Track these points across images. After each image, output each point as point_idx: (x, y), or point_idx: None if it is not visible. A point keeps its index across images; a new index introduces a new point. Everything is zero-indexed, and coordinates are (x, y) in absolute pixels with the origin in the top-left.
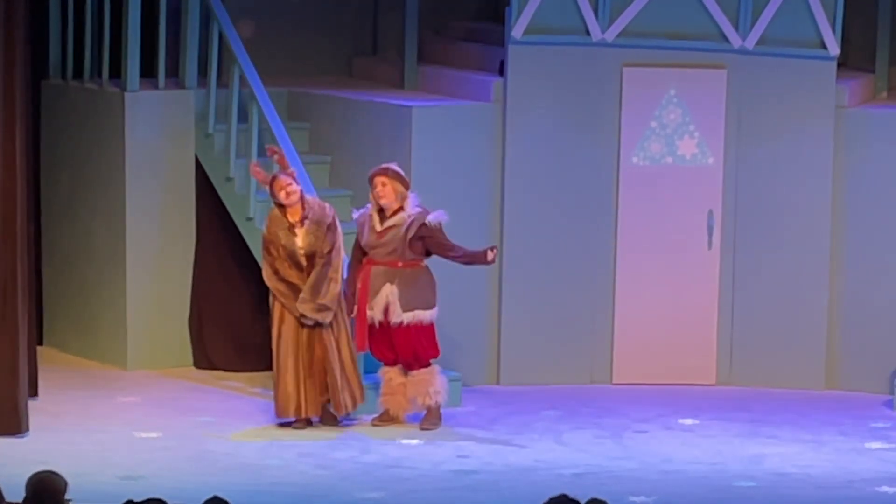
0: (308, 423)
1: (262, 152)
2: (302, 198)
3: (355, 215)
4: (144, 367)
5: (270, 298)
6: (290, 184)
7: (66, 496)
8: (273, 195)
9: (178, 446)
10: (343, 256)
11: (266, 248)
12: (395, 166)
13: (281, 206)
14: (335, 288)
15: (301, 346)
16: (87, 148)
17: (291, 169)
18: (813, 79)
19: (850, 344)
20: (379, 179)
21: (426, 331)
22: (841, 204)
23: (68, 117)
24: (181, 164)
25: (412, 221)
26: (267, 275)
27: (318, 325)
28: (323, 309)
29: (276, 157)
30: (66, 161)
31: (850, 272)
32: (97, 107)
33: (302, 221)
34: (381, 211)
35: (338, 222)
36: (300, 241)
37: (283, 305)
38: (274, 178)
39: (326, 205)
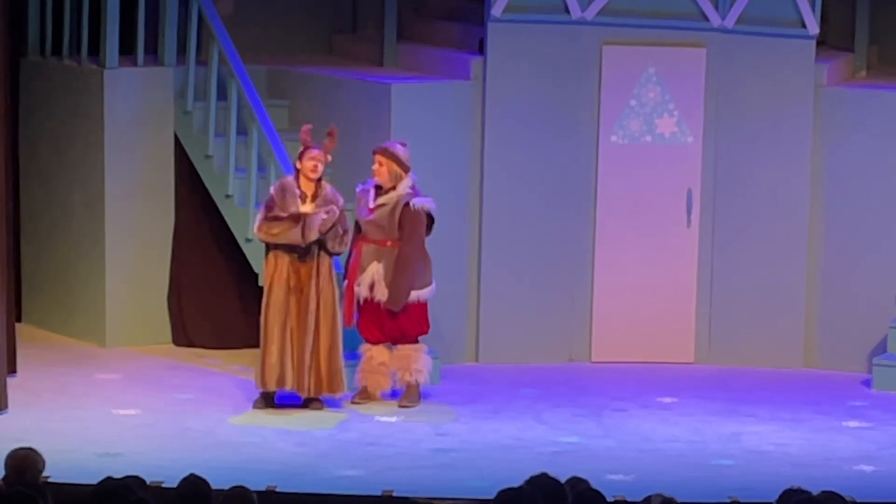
0: (269, 403)
1: (241, 130)
2: (320, 179)
3: (358, 189)
4: (123, 344)
5: (264, 267)
6: (322, 162)
7: (45, 473)
8: (300, 159)
9: (157, 423)
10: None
11: (266, 207)
12: (393, 146)
13: (297, 175)
14: (347, 239)
15: (290, 314)
16: (65, 125)
17: (329, 156)
18: (792, 58)
19: (828, 323)
20: (377, 157)
21: (416, 308)
22: (820, 183)
23: (47, 94)
24: (160, 141)
25: (399, 202)
26: (261, 231)
27: (308, 255)
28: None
29: (328, 138)
30: (45, 138)
31: (828, 251)
32: (76, 84)
33: (313, 197)
34: (378, 188)
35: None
36: (308, 209)
37: (275, 249)
38: (312, 147)
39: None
